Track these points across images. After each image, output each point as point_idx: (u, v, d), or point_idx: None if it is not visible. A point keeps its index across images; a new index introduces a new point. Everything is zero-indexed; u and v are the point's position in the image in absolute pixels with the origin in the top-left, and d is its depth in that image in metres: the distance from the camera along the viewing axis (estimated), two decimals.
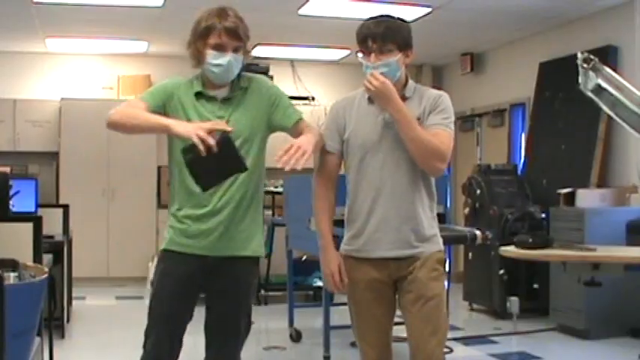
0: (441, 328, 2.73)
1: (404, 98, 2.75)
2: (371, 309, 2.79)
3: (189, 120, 2.68)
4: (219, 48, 2.65)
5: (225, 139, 2.50)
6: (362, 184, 2.78)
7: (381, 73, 2.69)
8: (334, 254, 2.81)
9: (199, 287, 2.78)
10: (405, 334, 2.78)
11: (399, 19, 2.85)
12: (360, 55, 2.78)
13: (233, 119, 2.69)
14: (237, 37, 2.66)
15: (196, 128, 2.49)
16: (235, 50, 2.67)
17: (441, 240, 2.86)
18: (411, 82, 2.84)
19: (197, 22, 2.70)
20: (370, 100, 2.79)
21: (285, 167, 2.50)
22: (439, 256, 2.80)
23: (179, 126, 2.57)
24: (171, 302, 2.75)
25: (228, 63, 2.66)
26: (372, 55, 2.72)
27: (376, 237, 2.75)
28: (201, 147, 2.44)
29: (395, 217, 2.72)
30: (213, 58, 2.66)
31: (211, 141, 2.46)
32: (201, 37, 2.67)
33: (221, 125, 2.55)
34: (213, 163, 2.49)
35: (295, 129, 2.78)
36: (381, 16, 2.83)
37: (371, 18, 2.81)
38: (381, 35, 2.72)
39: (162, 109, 2.73)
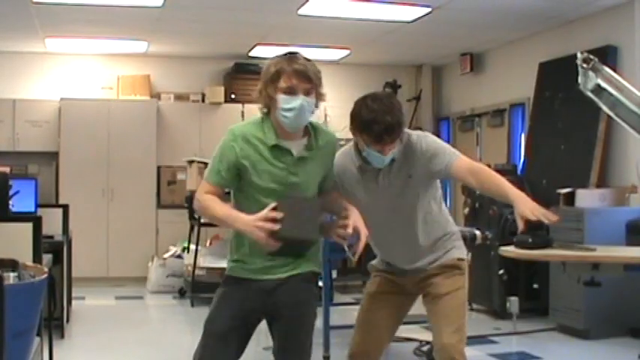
0: (455, 319, 2.91)
1: (391, 163, 2.88)
2: (373, 306, 3.06)
3: (259, 177, 2.67)
4: (290, 91, 2.61)
5: (281, 202, 2.56)
6: (370, 224, 2.91)
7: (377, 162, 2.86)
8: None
9: (258, 311, 2.77)
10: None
11: (390, 95, 3.00)
12: (365, 140, 2.82)
13: (302, 178, 2.71)
14: (307, 78, 2.63)
15: (250, 223, 2.55)
16: (306, 93, 2.63)
17: (457, 251, 3.05)
18: None
19: (266, 68, 2.68)
20: (361, 171, 2.94)
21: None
22: (453, 263, 3.01)
23: (238, 221, 2.62)
24: (224, 322, 2.73)
25: (300, 106, 2.61)
26: (387, 147, 2.79)
27: (395, 264, 3.10)
28: (268, 226, 2.51)
29: (405, 251, 3.04)
30: (284, 102, 2.62)
31: (271, 214, 2.52)
32: (271, 82, 2.64)
33: (270, 214, 2.55)
34: (296, 224, 2.56)
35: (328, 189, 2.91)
36: (381, 99, 2.86)
37: (373, 101, 2.82)
38: (395, 129, 2.78)
39: (234, 178, 2.72)
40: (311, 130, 2.74)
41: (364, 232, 2.66)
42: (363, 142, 2.84)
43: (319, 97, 2.69)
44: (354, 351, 3.05)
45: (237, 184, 2.73)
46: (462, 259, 3.04)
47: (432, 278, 2.98)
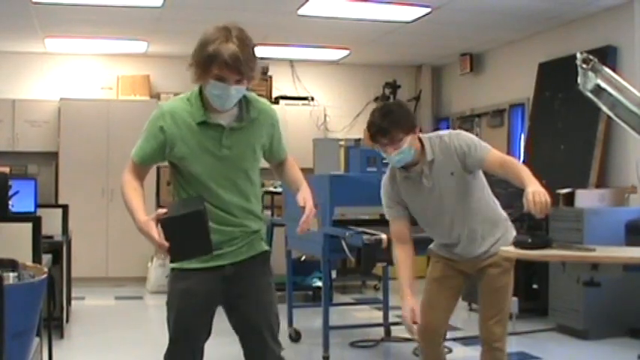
0: (501, 311, 3.35)
1: (430, 164, 3.19)
2: (438, 289, 3.42)
3: (190, 152, 2.64)
4: (221, 79, 2.53)
5: (163, 226, 2.47)
6: (428, 224, 3.41)
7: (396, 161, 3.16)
8: (412, 301, 3.23)
9: (219, 299, 2.76)
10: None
11: (397, 102, 3.37)
12: (376, 145, 3.18)
13: (235, 150, 2.67)
14: (238, 72, 2.52)
15: (143, 228, 2.50)
16: (237, 82, 2.55)
17: (508, 235, 3.42)
18: (426, 143, 3.21)
19: (200, 45, 2.54)
20: (407, 180, 3.28)
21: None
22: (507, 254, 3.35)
23: (136, 221, 2.55)
24: (196, 320, 2.73)
25: (228, 95, 2.56)
26: (387, 147, 3.10)
27: (455, 253, 3.42)
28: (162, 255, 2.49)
29: (462, 241, 3.35)
30: (214, 88, 2.55)
31: (160, 243, 2.46)
32: (204, 64, 2.53)
33: (160, 243, 2.47)
34: (183, 245, 2.48)
35: (279, 164, 2.92)
36: (382, 107, 3.26)
37: (378, 108, 3.22)
38: (387, 130, 3.08)
39: (160, 157, 2.70)
40: (243, 102, 2.68)
41: (309, 207, 2.70)
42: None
43: (250, 81, 2.62)
44: (421, 328, 3.35)
45: (163, 161, 2.72)
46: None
47: (487, 268, 3.33)
